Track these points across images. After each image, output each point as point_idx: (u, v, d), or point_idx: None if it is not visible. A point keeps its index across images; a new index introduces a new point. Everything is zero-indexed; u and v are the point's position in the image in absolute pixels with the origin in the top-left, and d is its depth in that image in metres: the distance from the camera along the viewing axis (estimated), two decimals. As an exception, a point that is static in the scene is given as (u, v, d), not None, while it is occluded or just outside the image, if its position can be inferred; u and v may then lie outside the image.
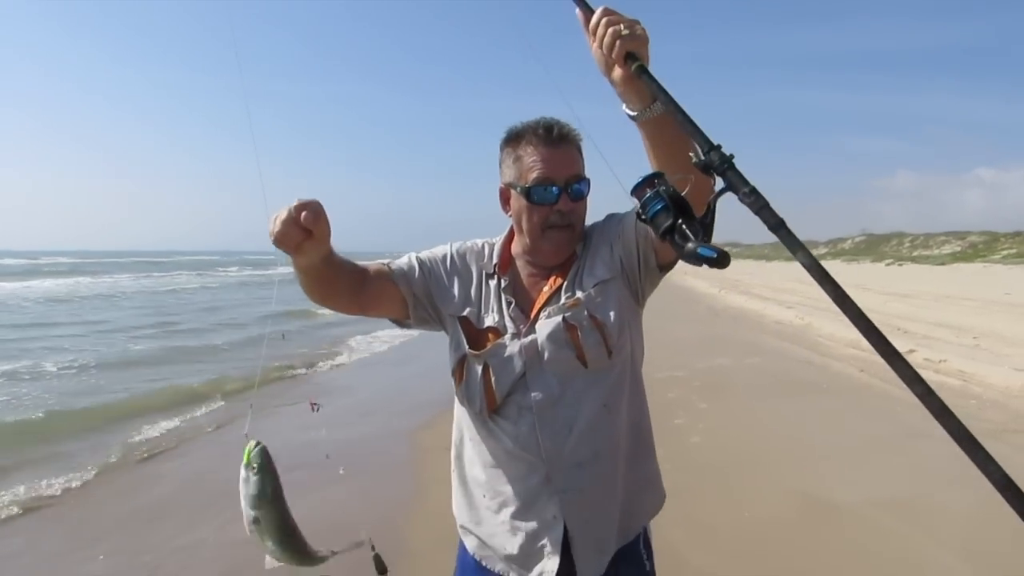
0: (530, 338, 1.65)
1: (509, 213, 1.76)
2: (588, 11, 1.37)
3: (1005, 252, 44.75)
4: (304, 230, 1.37)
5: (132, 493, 5.64)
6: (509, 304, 1.70)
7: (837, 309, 1.07)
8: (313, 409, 1.91)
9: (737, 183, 1.12)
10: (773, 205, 1.10)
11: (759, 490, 5.19)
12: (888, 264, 49.04)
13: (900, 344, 9.68)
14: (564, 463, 1.63)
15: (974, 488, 4.83)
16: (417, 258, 1.79)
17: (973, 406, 7.59)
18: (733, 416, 7.45)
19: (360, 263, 1.72)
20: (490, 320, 1.70)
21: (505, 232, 1.82)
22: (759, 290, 24.93)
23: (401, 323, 1.81)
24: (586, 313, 1.65)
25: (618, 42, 1.30)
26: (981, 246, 50.52)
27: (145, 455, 6.58)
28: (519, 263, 1.78)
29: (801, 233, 1.11)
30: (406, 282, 1.74)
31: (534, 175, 1.65)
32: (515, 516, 1.68)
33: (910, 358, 10.59)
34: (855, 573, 3.87)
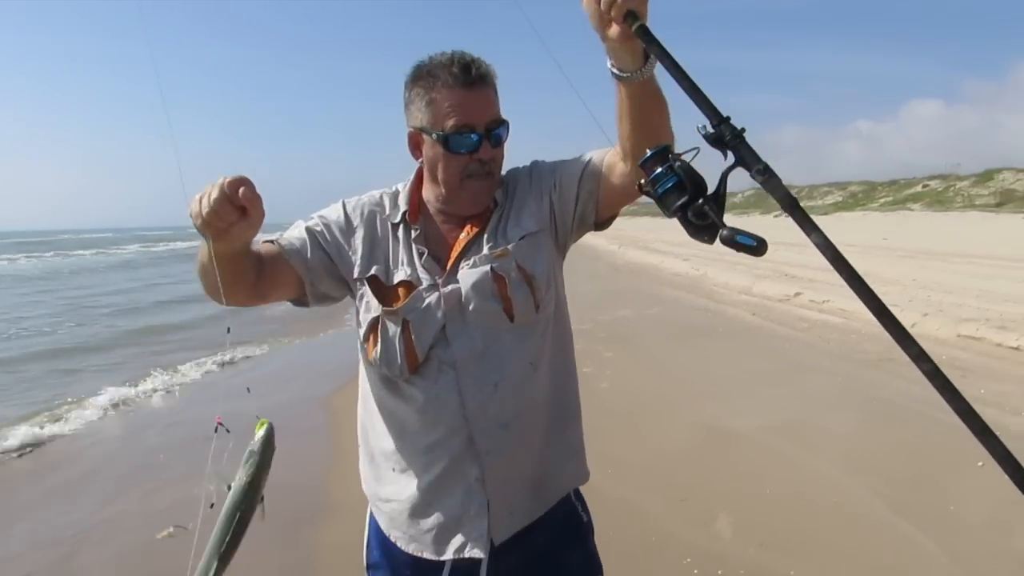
0: (451, 287, 1.51)
1: (420, 159, 1.60)
2: None
3: (882, 200, 47.58)
4: (239, 209, 1.23)
5: (46, 474, 5.51)
6: (422, 254, 1.55)
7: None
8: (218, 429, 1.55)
9: (749, 159, 1.07)
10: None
11: (664, 426, 5.55)
12: (776, 216, 51.17)
13: (787, 288, 10.41)
14: (489, 423, 1.51)
15: (853, 412, 5.34)
16: (307, 228, 1.59)
17: (853, 340, 8.23)
18: (637, 362, 7.84)
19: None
20: (401, 274, 1.54)
21: (411, 177, 1.64)
22: (657, 245, 25.72)
23: (298, 302, 1.62)
24: (515, 264, 1.53)
25: (618, 1, 1.19)
26: (861, 195, 53.50)
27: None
28: (431, 210, 1.62)
29: None
30: (300, 259, 1.55)
31: (452, 121, 1.48)
32: (431, 487, 1.55)
33: (796, 300, 11.29)
34: (753, 490, 4.24)
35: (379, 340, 1.53)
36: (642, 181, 1.14)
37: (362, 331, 1.56)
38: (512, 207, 1.61)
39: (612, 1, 1.20)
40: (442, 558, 1.55)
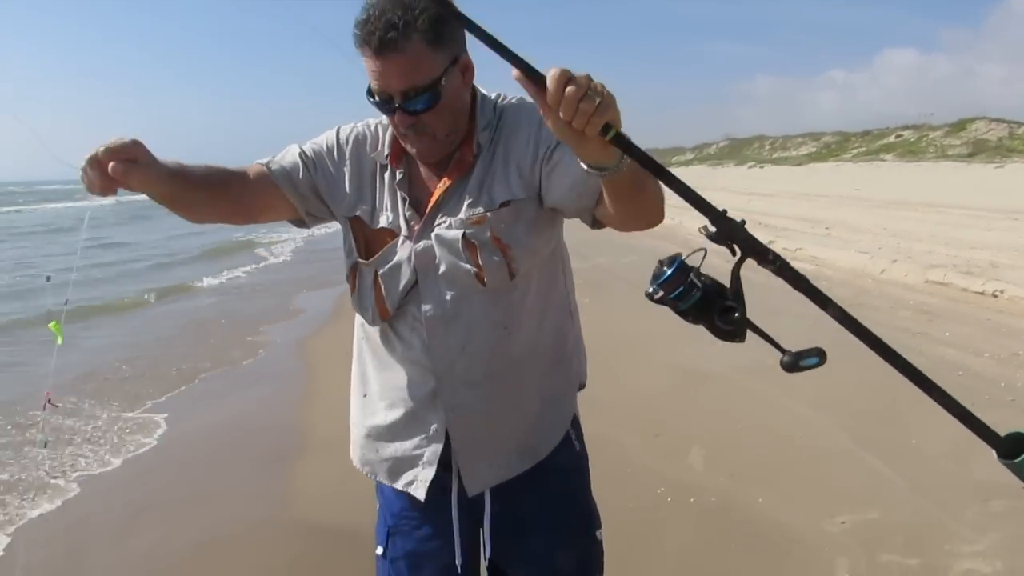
0: (423, 244, 1.48)
1: None
2: (536, 77, 1.03)
3: (856, 151, 47.84)
4: (114, 179, 1.25)
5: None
6: (404, 201, 1.51)
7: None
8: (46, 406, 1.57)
9: (762, 251, 1.07)
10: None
11: (640, 368, 5.70)
12: (750, 167, 51.53)
13: (761, 236, 10.58)
14: (455, 381, 1.52)
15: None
16: (301, 152, 1.58)
17: (824, 286, 8.26)
18: (614, 307, 7.95)
19: (235, 168, 1.54)
20: (384, 220, 1.52)
21: None
22: (633, 195, 25.79)
23: (297, 223, 1.64)
24: (490, 233, 1.45)
25: (593, 119, 1.02)
26: (834, 146, 53.74)
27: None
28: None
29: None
30: (290, 183, 1.54)
31: (370, 83, 1.40)
32: (399, 422, 1.59)
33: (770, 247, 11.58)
34: (725, 426, 4.40)
35: (356, 286, 1.56)
36: (658, 294, 1.14)
37: (345, 271, 1.58)
38: (500, 158, 1.48)
39: (585, 121, 1.02)
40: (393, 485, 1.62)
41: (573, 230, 1.64)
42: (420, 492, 1.58)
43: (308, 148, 1.59)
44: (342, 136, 1.60)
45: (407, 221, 1.50)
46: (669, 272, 1.13)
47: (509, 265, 1.46)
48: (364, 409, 1.66)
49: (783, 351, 1.10)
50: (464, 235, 1.45)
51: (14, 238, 22.21)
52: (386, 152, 1.53)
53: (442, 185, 1.48)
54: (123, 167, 1.24)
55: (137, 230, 22.41)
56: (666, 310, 1.18)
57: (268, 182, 1.54)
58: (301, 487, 3.91)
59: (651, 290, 1.18)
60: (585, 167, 1.15)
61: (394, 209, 1.52)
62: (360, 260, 1.53)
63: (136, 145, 1.27)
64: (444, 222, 1.47)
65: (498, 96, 1.56)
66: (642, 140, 1.10)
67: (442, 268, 1.47)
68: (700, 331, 1.18)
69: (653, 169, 1.09)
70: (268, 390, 5.82)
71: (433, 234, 1.47)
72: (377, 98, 1.40)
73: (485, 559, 1.65)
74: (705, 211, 1.10)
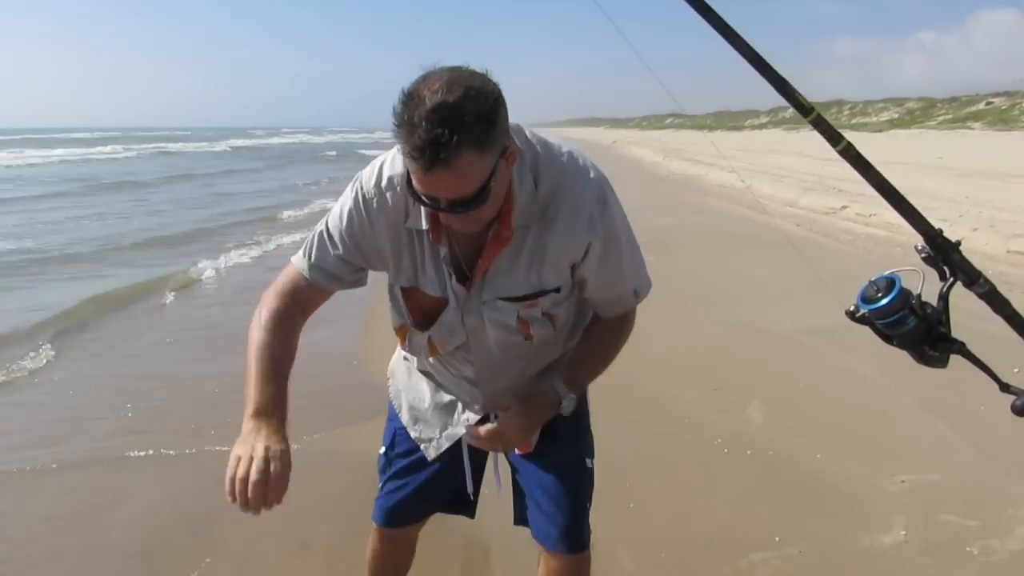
0: (474, 320, 1.58)
1: None
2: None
3: (941, 118, 45.79)
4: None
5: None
6: (451, 276, 1.54)
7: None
8: None
9: (974, 275, 1.08)
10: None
11: (702, 324, 5.67)
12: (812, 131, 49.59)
13: (834, 201, 10.20)
14: (495, 389, 1.72)
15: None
16: (334, 246, 1.56)
17: (898, 253, 8.18)
18: (679, 266, 7.89)
19: (288, 303, 1.56)
20: (431, 288, 1.57)
21: None
22: (702, 157, 25.30)
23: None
24: (540, 312, 1.58)
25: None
26: (918, 112, 51.51)
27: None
28: None
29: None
30: (337, 282, 1.59)
31: (414, 184, 1.35)
32: (434, 405, 1.83)
33: (842, 213, 11.12)
34: (786, 384, 4.37)
35: (407, 338, 1.71)
36: (860, 313, 1.16)
37: (393, 323, 1.72)
38: (549, 245, 1.50)
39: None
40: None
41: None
42: (430, 454, 1.84)
43: (337, 235, 1.56)
44: (371, 211, 1.52)
45: (455, 292, 1.56)
46: (886, 301, 1.11)
47: (553, 323, 1.62)
48: (408, 379, 1.90)
49: (1007, 387, 1.07)
50: (518, 315, 1.57)
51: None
52: (425, 226, 1.50)
53: (486, 261, 1.51)
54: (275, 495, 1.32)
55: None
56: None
57: (319, 290, 1.60)
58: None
59: (854, 309, 1.18)
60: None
61: (439, 278, 1.56)
62: (414, 329, 1.67)
63: (285, 464, 1.33)
64: (493, 301, 1.55)
65: (534, 160, 1.49)
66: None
67: (492, 336, 1.61)
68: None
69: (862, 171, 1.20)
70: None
71: (484, 312, 1.56)
72: (423, 197, 1.34)
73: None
74: (920, 229, 1.11)
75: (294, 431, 1.47)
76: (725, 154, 25.50)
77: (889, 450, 3.50)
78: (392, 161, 1.51)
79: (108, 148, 45.41)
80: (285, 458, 1.34)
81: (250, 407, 1.40)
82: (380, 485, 1.97)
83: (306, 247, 1.59)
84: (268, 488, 1.29)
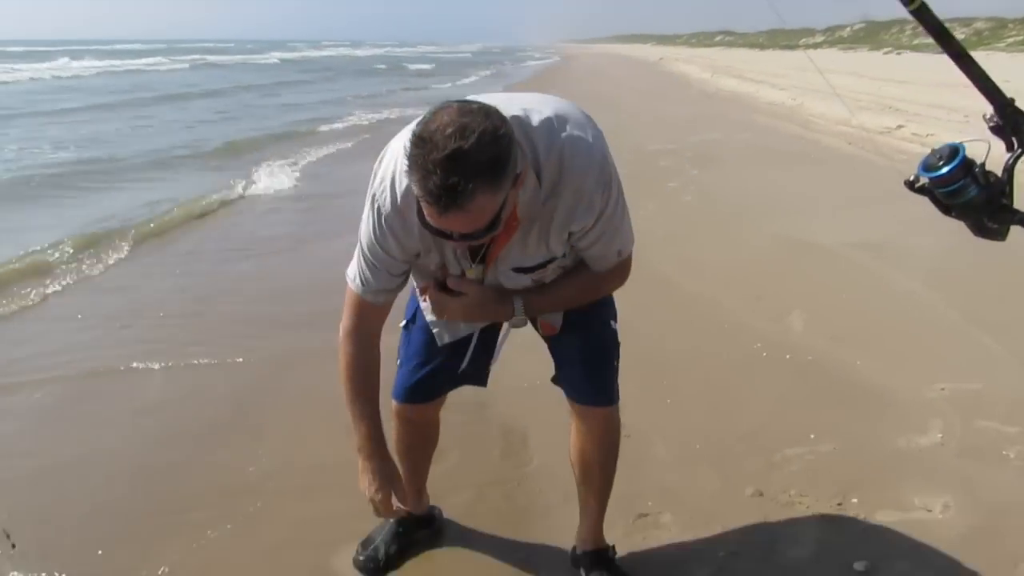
0: (493, 281, 1.73)
1: None
2: None
3: (1011, 39, 43.47)
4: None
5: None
6: (470, 265, 1.70)
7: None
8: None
9: None
10: None
11: (746, 235, 5.61)
12: (886, 52, 47.59)
13: (889, 120, 9.82)
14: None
15: (943, 237, 5.22)
16: (383, 273, 1.69)
17: (953, 173, 7.92)
18: (724, 180, 7.77)
19: (362, 328, 1.78)
20: (454, 269, 1.72)
21: None
22: (752, 74, 24.49)
23: None
24: (551, 271, 1.74)
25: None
26: (987, 33, 48.92)
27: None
28: None
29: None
30: (394, 292, 1.77)
31: (426, 217, 1.41)
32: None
33: (897, 133, 10.74)
34: (829, 294, 4.34)
35: (426, 293, 1.82)
36: (920, 183, 1.15)
37: (415, 277, 1.83)
38: (556, 221, 1.59)
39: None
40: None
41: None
42: (442, 340, 1.93)
43: (374, 257, 1.67)
44: (394, 229, 1.60)
45: (475, 271, 1.71)
46: (947, 169, 1.10)
47: (564, 268, 1.76)
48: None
49: None
50: (531, 280, 1.73)
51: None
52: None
53: (496, 250, 1.63)
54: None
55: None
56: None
57: (384, 305, 1.77)
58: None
59: (914, 179, 1.16)
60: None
61: (458, 262, 1.70)
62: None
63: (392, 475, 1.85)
64: (508, 271, 1.70)
65: (534, 156, 1.50)
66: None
67: (510, 286, 1.75)
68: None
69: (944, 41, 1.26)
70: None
71: (501, 279, 1.72)
72: (435, 228, 1.41)
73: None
74: (991, 98, 1.10)
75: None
76: (776, 72, 24.63)
77: (931, 360, 3.49)
78: (400, 174, 1.53)
79: (154, 59, 45.35)
80: (387, 476, 1.83)
81: (357, 441, 1.83)
82: (398, 360, 2.04)
83: (357, 271, 1.72)
84: (394, 499, 1.82)
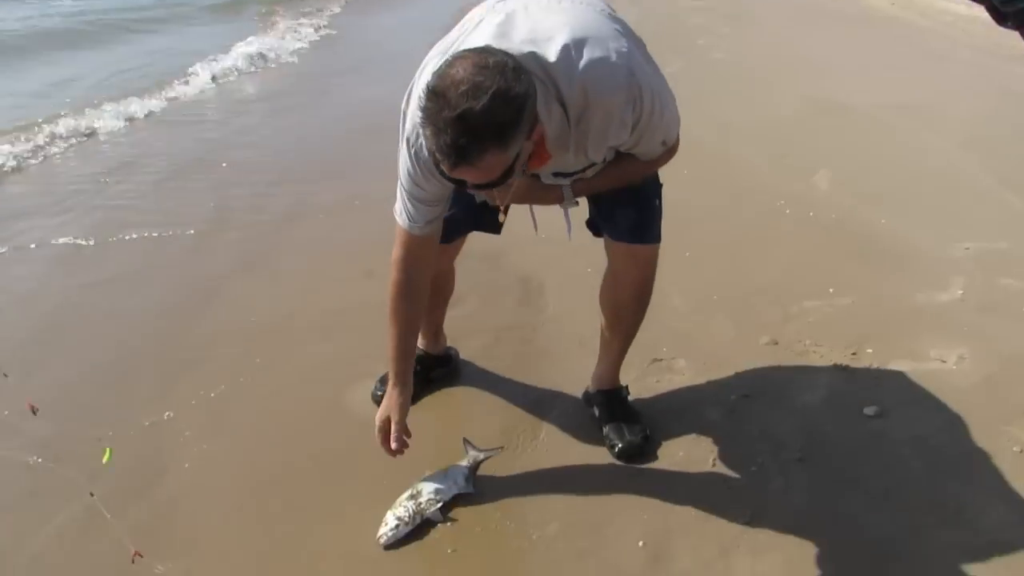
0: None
1: None
2: None
3: None
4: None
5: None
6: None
7: None
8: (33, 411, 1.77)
9: None
10: None
11: (775, 95, 5.39)
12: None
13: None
14: None
15: (982, 100, 4.99)
16: (427, 206, 1.71)
17: (1002, 35, 7.50)
18: (756, 40, 7.42)
19: (408, 282, 1.80)
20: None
21: None
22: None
23: None
24: (591, 173, 1.75)
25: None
26: None
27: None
28: None
29: None
30: (440, 218, 1.77)
31: (440, 165, 1.43)
32: None
33: (945, -10, 9.93)
34: (857, 154, 4.21)
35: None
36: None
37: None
38: (591, 137, 1.59)
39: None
40: None
41: None
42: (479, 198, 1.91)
43: (417, 193, 1.69)
44: (432, 170, 1.55)
45: None
46: None
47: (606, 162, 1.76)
48: None
49: None
50: (571, 181, 1.77)
51: None
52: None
53: (533, 167, 1.56)
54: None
55: None
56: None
57: (429, 238, 1.78)
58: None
59: None
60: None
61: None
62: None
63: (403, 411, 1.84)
64: (549, 176, 1.75)
65: (556, 89, 1.49)
66: None
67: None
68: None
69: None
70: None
71: (543, 179, 1.77)
72: (450, 176, 1.42)
73: None
74: None
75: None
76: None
77: (958, 219, 3.41)
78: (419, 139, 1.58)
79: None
80: (402, 416, 1.83)
81: (390, 376, 1.87)
82: None
83: (401, 207, 1.74)
84: (392, 441, 1.82)
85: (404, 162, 1.66)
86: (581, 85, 1.49)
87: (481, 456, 2.04)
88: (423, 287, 1.84)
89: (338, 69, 6.78)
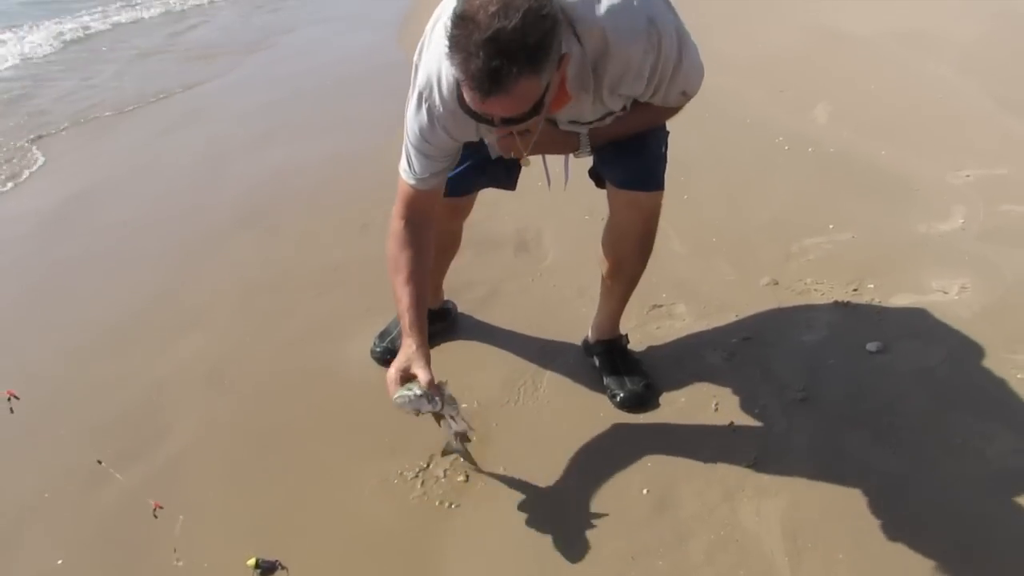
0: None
1: None
2: None
3: None
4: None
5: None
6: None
7: None
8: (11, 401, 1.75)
9: None
10: None
11: (774, 28, 5.29)
12: None
13: None
14: None
15: (981, 22, 4.88)
16: (434, 160, 1.67)
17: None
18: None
19: (410, 232, 1.74)
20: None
21: None
22: None
23: None
24: (608, 121, 1.69)
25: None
26: None
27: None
28: None
29: None
30: (444, 174, 1.73)
31: (467, 102, 1.38)
32: None
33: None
34: (857, 86, 4.13)
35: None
36: None
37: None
38: (607, 85, 1.55)
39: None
40: None
41: None
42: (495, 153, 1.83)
43: (425, 148, 1.64)
44: (445, 123, 1.58)
45: None
46: None
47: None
48: None
49: None
50: (589, 129, 1.72)
51: None
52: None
53: (552, 111, 1.49)
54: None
55: None
56: None
57: (435, 191, 1.74)
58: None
59: None
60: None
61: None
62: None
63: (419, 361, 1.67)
64: (566, 123, 1.70)
65: (573, 25, 1.44)
66: None
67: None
68: None
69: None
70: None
71: (559, 125, 1.71)
72: (477, 114, 1.38)
73: None
74: None
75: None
76: None
77: (958, 147, 3.35)
78: (445, 72, 1.50)
79: None
80: (427, 367, 1.68)
81: (403, 328, 1.73)
82: None
83: (406, 161, 1.70)
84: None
85: (414, 117, 1.61)
86: (600, 31, 1.45)
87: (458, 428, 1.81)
88: (426, 239, 1.77)
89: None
